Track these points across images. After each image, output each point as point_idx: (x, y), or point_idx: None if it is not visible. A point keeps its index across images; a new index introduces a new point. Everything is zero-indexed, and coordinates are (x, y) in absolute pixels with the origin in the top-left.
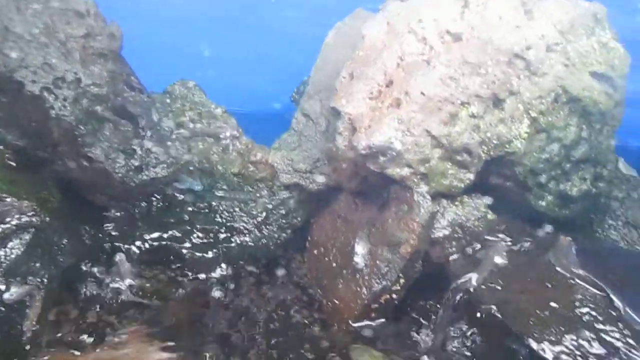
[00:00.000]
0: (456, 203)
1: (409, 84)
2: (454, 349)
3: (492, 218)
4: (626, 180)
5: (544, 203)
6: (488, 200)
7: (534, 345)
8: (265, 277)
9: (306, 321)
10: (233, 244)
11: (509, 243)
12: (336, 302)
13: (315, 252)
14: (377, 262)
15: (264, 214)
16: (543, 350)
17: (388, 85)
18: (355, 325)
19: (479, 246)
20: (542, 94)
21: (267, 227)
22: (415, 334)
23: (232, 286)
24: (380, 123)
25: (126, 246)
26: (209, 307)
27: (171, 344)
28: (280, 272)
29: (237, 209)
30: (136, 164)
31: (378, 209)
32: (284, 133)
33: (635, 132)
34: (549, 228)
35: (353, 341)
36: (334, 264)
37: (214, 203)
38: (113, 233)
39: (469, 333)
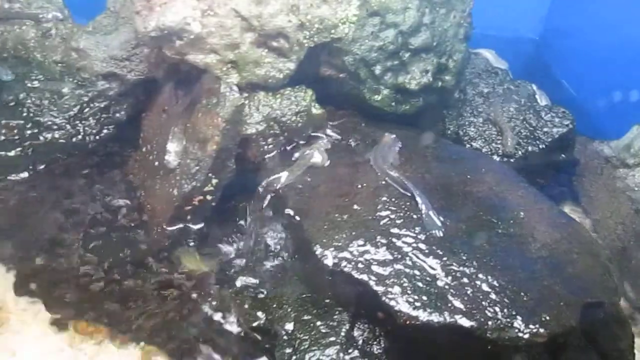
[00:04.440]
0: (277, 96)
1: None
2: (263, 252)
3: (318, 112)
4: (494, 73)
5: (379, 97)
6: (313, 92)
7: (319, 251)
8: (98, 177)
9: (132, 224)
10: (40, 142)
11: (336, 140)
12: (154, 204)
13: (144, 149)
14: (188, 160)
15: (78, 107)
16: (325, 256)
17: None
18: (172, 228)
19: (300, 143)
20: None
21: (83, 122)
22: (231, 237)
23: (63, 185)
24: (175, 0)
25: None
26: (34, 209)
27: None
28: (116, 170)
29: (46, 102)
30: None
31: (192, 101)
32: (100, 14)
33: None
34: (381, 125)
35: (171, 245)
36: (156, 163)
37: (21, 95)
38: None
39: (277, 236)
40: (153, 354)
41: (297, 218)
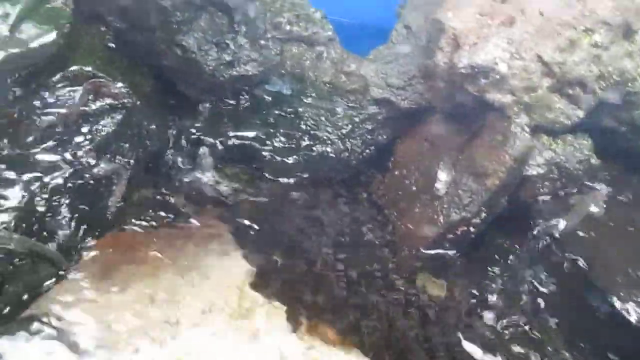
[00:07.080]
0: (558, 141)
1: (527, 0)
2: (527, 294)
3: (596, 163)
4: None
5: None
6: (594, 143)
7: (617, 304)
8: (344, 192)
9: (377, 241)
10: (314, 153)
11: (610, 192)
12: (410, 226)
13: (397, 173)
14: (460, 191)
15: (350, 126)
16: (627, 311)
17: (503, 1)
18: (426, 252)
19: (574, 191)
20: None
21: (351, 140)
22: (486, 272)
23: (310, 195)
24: (487, 41)
25: (211, 140)
26: (284, 212)
27: (241, 242)
28: (360, 188)
29: (322, 118)
30: (228, 58)
31: (469, 136)
32: (381, 45)
33: None
34: None
35: (420, 268)
36: (414, 188)
37: (300, 109)
38: (200, 126)
39: (546, 280)
40: None
41: (584, 266)
